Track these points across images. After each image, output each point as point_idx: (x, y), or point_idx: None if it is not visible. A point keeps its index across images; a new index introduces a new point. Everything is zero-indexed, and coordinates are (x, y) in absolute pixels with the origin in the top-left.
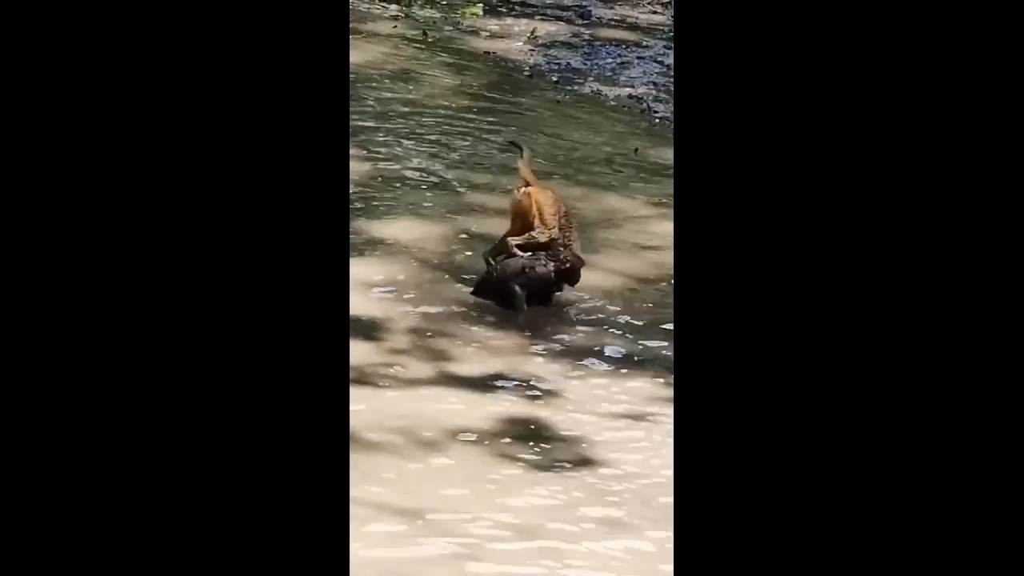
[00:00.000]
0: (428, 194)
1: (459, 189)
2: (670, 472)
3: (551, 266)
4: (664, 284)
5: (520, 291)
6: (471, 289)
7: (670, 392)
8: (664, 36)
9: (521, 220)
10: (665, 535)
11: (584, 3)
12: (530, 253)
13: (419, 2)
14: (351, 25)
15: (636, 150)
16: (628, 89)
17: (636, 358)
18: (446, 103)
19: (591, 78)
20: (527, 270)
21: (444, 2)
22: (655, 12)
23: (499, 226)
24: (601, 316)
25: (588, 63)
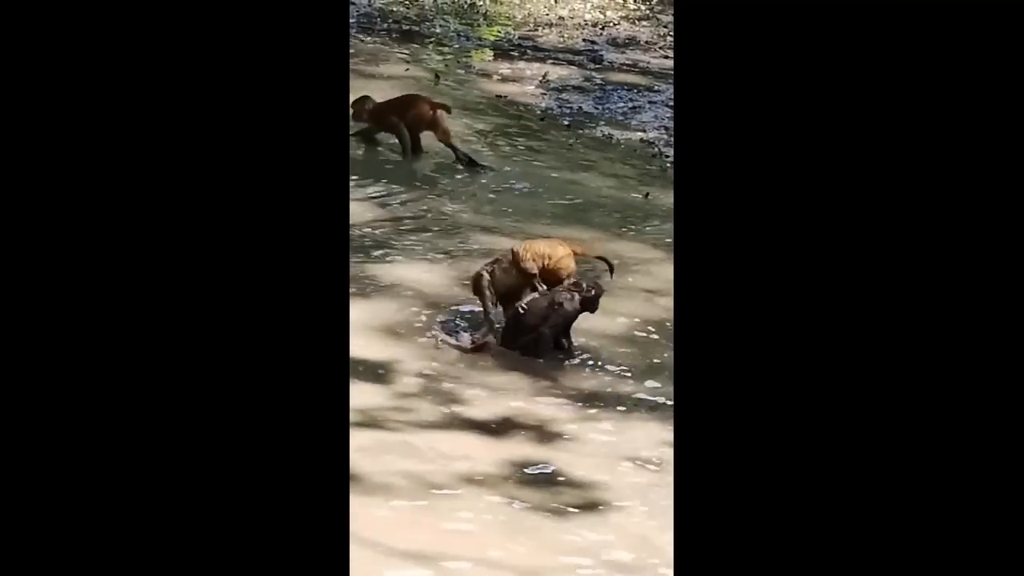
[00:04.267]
0: (439, 237)
1: (469, 232)
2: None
3: (576, 299)
4: (672, 327)
5: (548, 334)
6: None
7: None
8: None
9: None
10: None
11: (596, 47)
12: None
13: (431, 44)
14: (365, 68)
15: (647, 194)
16: (639, 133)
17: (645, 401)
18: (456, 145)
19: (602, 122)
20: (556, 307)
21: (456, 45)
22: (666, 57)
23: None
24: (610, 359)
25: (600, 107)
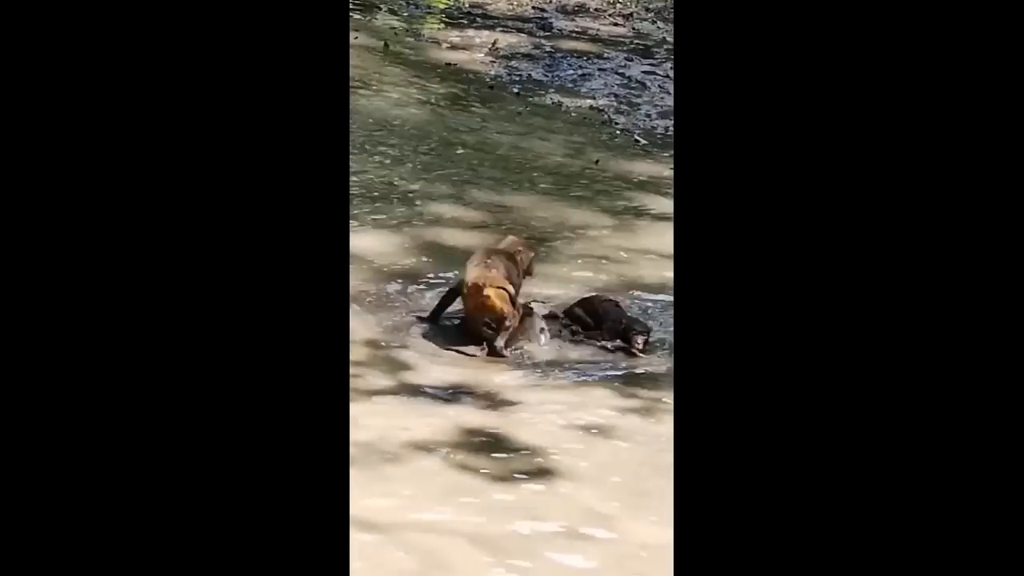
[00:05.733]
0: (388, 205)
1: (418, 200)
2: (623, 480)
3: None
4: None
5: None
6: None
7: (630, 403)
8: (625, 48)
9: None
10: (619, 541)
11: (545, 15)
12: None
13: (380, 12)
14: None
15: (597, 161)
16: (589, 100)
17: (596, 368)
18: (406, 114)
19: (552, 89)
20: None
21: (405, 13)
22: (616, 24)
23: (460, 237)
24: (560, 327)
25: (549, 75)
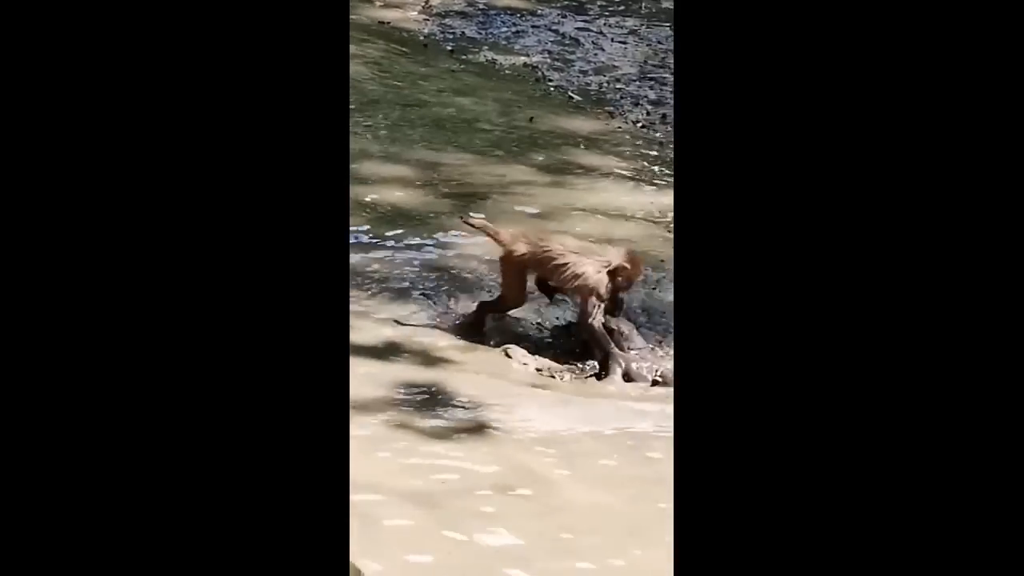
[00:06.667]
0: None
1: (352, 159)
2: (562, 436)
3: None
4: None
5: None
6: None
7: (571, 363)
8: (558, 5)
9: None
10: (557, 497)
11: None
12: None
13: None
14: None
15: (531, 119)
16: (523, 58)
17: (527, 327)
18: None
19: (486, 47)
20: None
21: None
22: None
23: (395, 196)
24: (488, 284)
25: (483, 32)
